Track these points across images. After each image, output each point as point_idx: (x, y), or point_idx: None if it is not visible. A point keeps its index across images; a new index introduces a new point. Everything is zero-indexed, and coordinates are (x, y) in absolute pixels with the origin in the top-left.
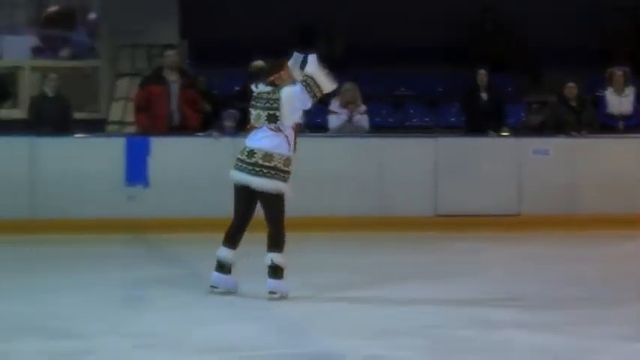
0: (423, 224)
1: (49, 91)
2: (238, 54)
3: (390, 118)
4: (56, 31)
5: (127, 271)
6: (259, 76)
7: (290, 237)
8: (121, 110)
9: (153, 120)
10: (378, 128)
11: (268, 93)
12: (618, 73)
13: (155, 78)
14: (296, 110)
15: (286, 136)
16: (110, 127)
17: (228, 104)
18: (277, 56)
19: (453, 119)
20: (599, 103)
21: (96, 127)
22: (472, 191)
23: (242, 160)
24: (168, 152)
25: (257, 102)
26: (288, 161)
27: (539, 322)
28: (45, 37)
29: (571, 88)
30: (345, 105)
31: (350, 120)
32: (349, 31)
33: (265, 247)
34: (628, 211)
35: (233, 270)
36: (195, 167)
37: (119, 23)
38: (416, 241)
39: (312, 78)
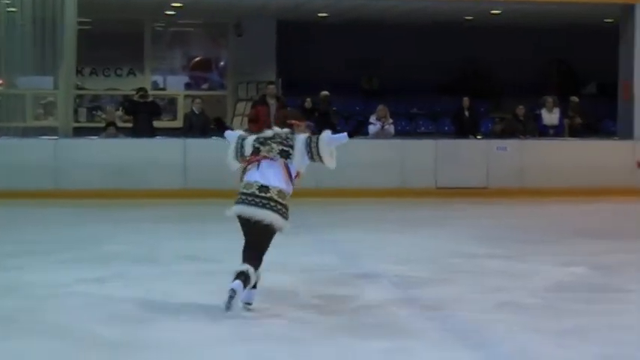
0: (428, 193)
1: (196, 110)
2: (313, 87)
3: (408, 127)
4: (199, 73)
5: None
6: (326, 102)
7: (348, 200)
8: (240, 122)
9: (260, 128)
10: (400, 134)
11: (285, 134)
12: (549, 99)
13: (261, 102)
14: (303, 156)
15: (292, 179)
16: None
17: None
18: (338, 88)
19: (446, 128)
20: (538, 118)
21: (224, 132)
22: (459, 173)
23: (253, 195)
24: None
25: (271, 141)
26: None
27: (503, 254)
28: (192, 77)
29: (520, 109)
30: (379, 118)
31: (382, 128)
32: (385, 71)
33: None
34: (556, 185)
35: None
36: None
37: (239, 68)
38: (424, 203)
39: (317, 142)
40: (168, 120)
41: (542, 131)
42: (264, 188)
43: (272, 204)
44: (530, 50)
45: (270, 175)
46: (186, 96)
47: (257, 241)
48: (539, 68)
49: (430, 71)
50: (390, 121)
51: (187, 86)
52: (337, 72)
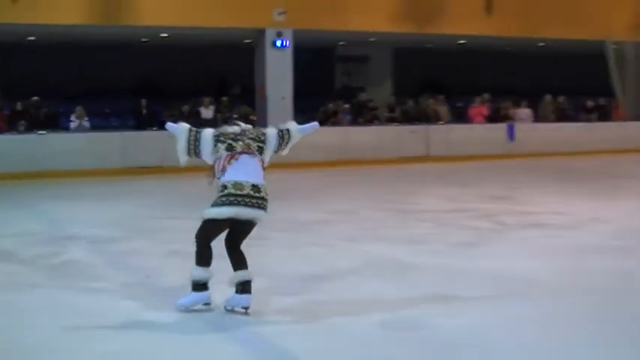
0: (117, 172)
1: None
2: (28, 93)
3: (101, 123)
4: None
5: None
6: (36, 106)
7: (58, 180)
8: None
9: None
10: (95, 128)
11: (254, 130)
12: (206, 99)
13: None
14: (272, 151)
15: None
16: None
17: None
18: (48, 94)
19: (130, 123)
20: (198, 113)
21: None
22: (140, 155)
23: (249, 196)
24: None
25: (244, 137)
26: None
27: (177, 216)
28: None
29: (185, 108)
30: (77, 117)
31: (80, 124)
32: (86, 79)
33: None
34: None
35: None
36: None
37: None
38: (114, 181)
39: (289, 134)
40: None
41: (202, 124)
42: (255, 188)
43: (265, 203)
44: (192, 63)
45: (254, 172)
46: None
47: (241, 240)
48: (198, 76)
49: (119, 80)
50: (86, 118)
51: None
52: (48, 80)
